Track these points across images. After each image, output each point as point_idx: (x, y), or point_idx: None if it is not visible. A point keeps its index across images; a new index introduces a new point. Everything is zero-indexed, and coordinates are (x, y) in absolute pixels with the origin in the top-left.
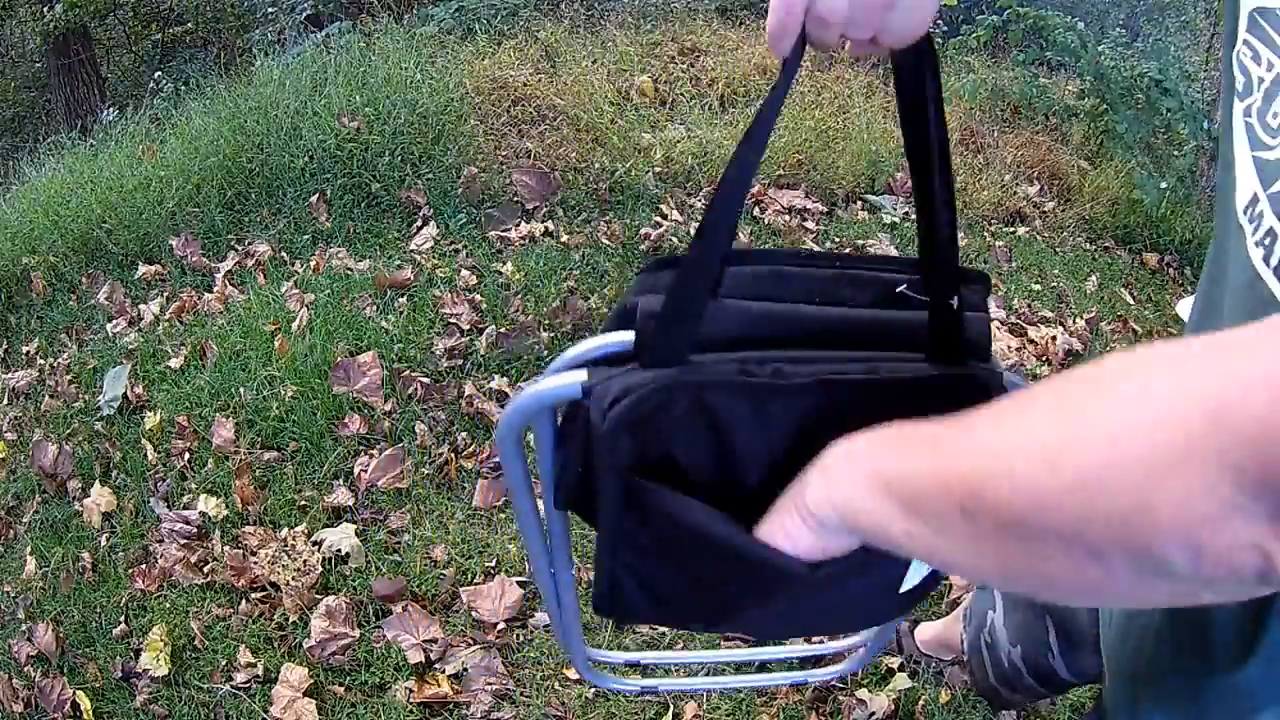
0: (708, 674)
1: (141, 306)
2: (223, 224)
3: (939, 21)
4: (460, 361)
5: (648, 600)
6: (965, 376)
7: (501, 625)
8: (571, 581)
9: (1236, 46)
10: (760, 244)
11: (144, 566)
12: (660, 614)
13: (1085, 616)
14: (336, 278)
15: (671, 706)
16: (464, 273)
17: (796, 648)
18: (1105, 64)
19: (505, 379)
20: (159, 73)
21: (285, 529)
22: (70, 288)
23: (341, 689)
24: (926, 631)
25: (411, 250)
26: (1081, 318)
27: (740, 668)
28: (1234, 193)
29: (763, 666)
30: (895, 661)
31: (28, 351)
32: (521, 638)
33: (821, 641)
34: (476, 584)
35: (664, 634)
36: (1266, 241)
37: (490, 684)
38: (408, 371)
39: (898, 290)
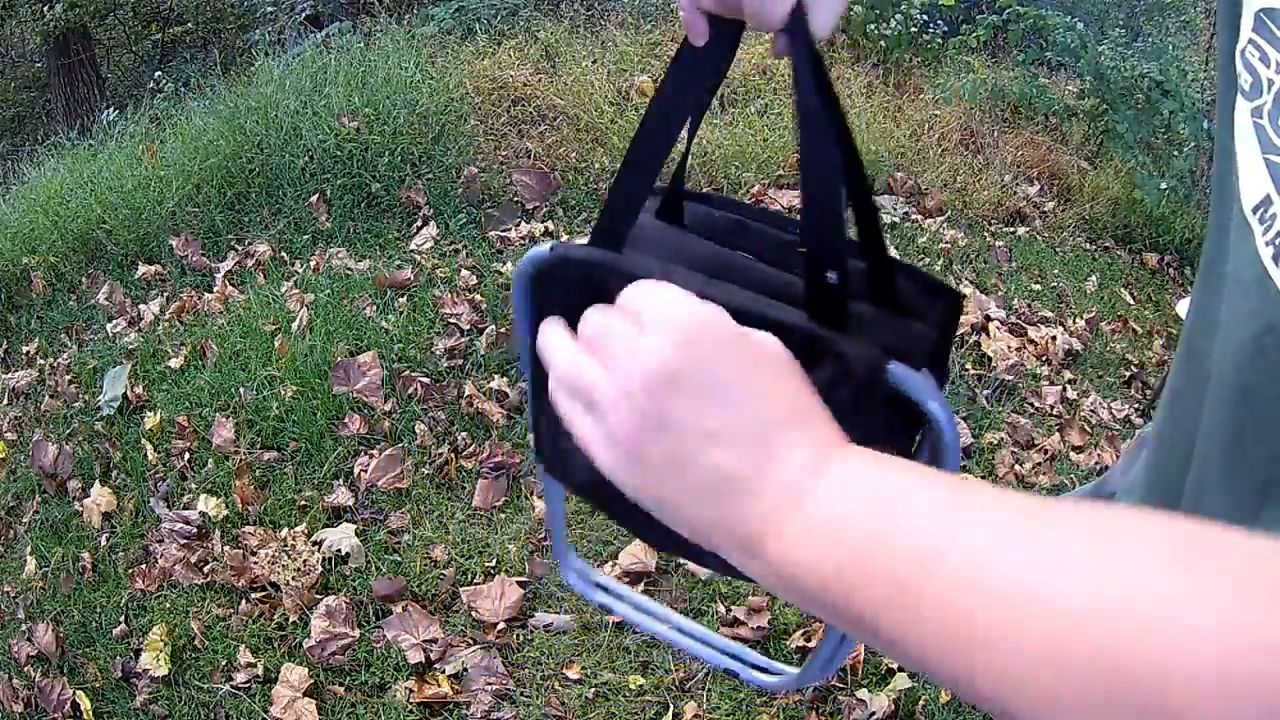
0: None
1: (141, 306)
2: (223, 224)
3: (939, 21)
4: (460, 361)
5: (564, 457)
6: (845, 351)
7: (501, 625)
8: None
9: (1241, 45)
10: None
11: (144, 566)
12: (575, 476)
13: None
14: (336, 278)
15: (671, 706)
16: (464, 273)
17: (753, 654)
18: (1105, 64)
19: (505, 379)
20: (159, 73)
21: (285, 529)
22: (70, 288)
23: (341, 689)
24: None
25: (411, 250)
26: (1081, 318)
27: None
28: (1238, 192)
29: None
30: (895, 662)
31: (28, 351)
32: (521, 638)
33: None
34: (476, 584)
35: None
36: (1278, 242)
37: (490, 684)
38: (408, 371)
39: (787, 242)
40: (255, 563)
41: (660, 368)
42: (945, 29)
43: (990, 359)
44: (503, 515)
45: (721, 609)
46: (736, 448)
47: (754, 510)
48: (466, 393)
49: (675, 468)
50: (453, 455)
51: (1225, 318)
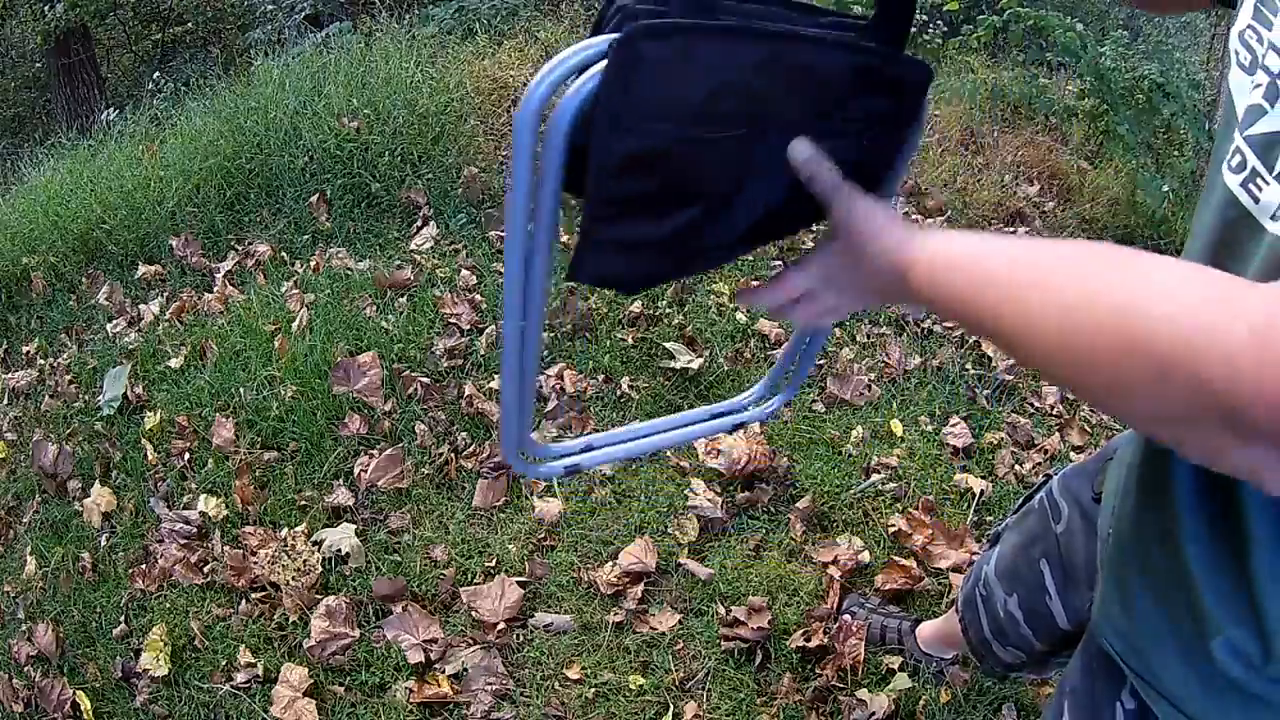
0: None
1: (141, 306)
2: (223, 224)
3: (939, 21)
4: (460, 361)
5: (623, 249)
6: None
7: (501, 625)
8: (542, 309)
9: (1240, 28)
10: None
11: (144, 566)
12: (630, 264)
13: (1083, 552)
14: (336, 278)
15: (671, 706)
16: (464, 273)
17: (709, 407)
18: (1105, 65)
19: None
20: (159, 73)
21: (285, 529)
22: (70, 288)
23: (341, 689)
24: (927, 630)
25: (411, 250)
26: None
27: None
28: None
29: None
30: (895, 662)
31: (28, 351)
32: (521, 638)
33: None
34: (476, 584)
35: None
36: (1235, 162)
37: (490, 684)
38: (408, 371)
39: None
40: (255, 563)
41: (829, 275)
42: (945, 29)
43: (990, 359)
44: (503, 515)
45: (721, 610)
46: (883, 281)
47: (899, 290)
48: (466, 393)
49: (864, 301)
50: (453, 455)
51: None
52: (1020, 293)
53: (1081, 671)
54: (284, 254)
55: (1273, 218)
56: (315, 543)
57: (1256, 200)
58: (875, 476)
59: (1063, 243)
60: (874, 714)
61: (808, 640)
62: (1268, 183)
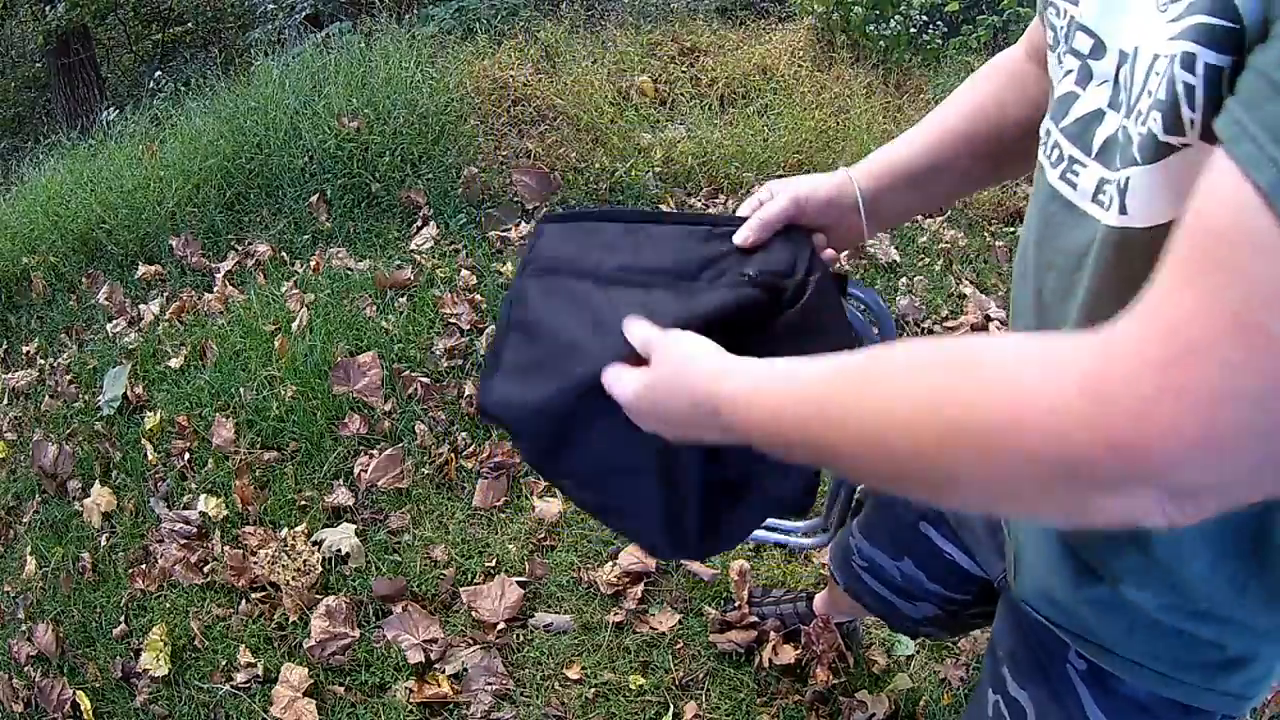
0: None
1: (141, 306)
2: (223, 224)
3: (939, 22)
4: (460, 361)
5: (517, 372)
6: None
7: (501, 625)
8: None
9: (1041, 6)
10: None
11: (144, 566)
12: (522, 389)
13: (974, 517)
14: (336, 278)
15: (671, 706)
16: (464, 273)
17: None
18: None
19: None
20: (159, 73)
21: (285, 529)
22: (70, 288)
23: (341, 689)
24: (820, 603)
25: (411, 250)
26: None
27: None
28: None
29: None
30: (894, 662)
31: (28, 351)
32: (521, 638)
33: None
34: (476, 584)
35: None
36: (1053, 155)
37: (490, 684)
38: (408, 371)
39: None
40: (255, 563)
41: (650, 394)
42: (945, 29)
43: None
44: (503, 515)
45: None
46: (691, 405)
47: (714, 423)
48: (466, 393)
49: (669, 422)
50: (453, 455)
51: (1030, 210)
52: (831, 404)
53: (1012, 633)
54: (284, 254)
55: (1093, 199)
56: (315, 543)
57: (1074, 186)
58: None
59: (888, 352)
60: (874, 715)
61: (787, 642)
62: (1085, 165)
